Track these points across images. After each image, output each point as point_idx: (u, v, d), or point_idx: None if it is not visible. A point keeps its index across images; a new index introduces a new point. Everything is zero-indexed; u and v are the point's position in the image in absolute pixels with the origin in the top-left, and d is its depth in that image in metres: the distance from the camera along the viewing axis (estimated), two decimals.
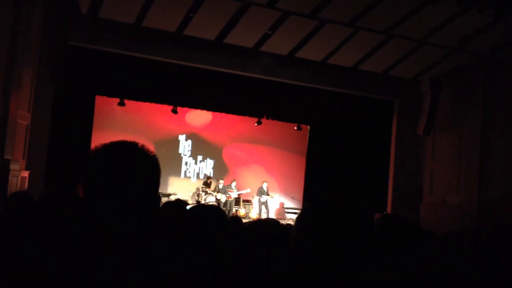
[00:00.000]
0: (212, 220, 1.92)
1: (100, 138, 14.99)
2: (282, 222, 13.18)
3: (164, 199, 14.69)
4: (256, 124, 16.36)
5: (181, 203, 2.78)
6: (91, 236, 1.31)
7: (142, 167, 1.39)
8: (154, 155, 1.45)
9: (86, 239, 1.31)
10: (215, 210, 2.02)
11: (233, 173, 16.98)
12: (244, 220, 7.81)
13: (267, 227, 2.36)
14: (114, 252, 1.29)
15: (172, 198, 15.17)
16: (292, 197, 16.67)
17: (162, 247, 1.39)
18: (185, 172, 16.82)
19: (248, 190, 15.81)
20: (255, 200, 16.05)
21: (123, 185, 1.34)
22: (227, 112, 15.85)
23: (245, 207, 16.14)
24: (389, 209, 14.96)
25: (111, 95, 14.34)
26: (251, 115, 15.98)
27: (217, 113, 16.32)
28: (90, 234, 1.31)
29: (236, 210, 15.80)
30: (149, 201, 1.37)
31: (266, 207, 15.61)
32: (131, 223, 1.33)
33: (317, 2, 10.74)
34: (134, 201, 1.34)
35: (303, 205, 16.15)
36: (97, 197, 1.33)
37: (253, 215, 15.95)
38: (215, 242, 1.86)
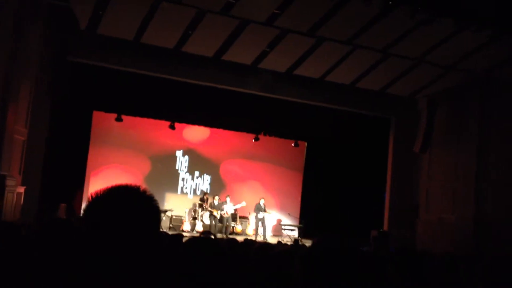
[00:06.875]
0: (208, 259, 1.91)
1: (97, 153, 15.01)
2: (279, 239, 13.16)
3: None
4: (253, 140, 16.38)
5: (176, 236, 2.76)
6: (88, 276, 1.30)
7: (142, 214, 1.38)
8: (154, 200, 1.43)
9: (83, 278, 1.31)
10: (211, 246, 2.00)
11: (230, 189, 16.93)
12: (241, 238, 7.79)
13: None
14: None
15: (169, 214, 15.12)
16: (289, 214, 16.63)
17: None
18: (182, 188, 16.76)
19: (244, 204, 15.76)
20: (252, 217, 16.01)
21: (122, 231, 1.33)
22: (224, 128, 15.90)
23: (241, 224, 16.09)
24: (385, 227, 14.93)
25: (108, 110, 14.39)
26: (248, 131, 16.03)
27: (215, 129, 16.34)
28: (86, 274, 1.31)
29: (233, 227, 15.75)
30: (148, 247, 1.37)
31: (263, 223, 15.54)
32: (128, 270, 1.32)
33: (315, 20, 10.81)
34: (132, 248, 1.33)
35: (300, 226, 16.11)
36: (95, 242, 1.32)
37: (250, 231, 15.91)
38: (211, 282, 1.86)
